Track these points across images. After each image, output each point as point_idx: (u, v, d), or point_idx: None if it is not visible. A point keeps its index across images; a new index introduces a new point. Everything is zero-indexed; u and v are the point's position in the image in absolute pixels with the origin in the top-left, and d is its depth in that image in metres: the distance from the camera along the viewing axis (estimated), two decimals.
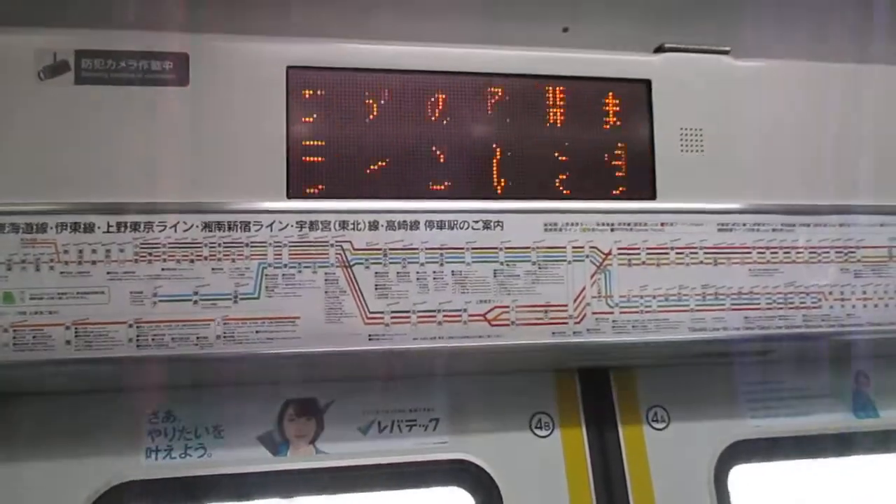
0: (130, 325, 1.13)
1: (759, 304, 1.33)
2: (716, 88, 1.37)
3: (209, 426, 1.30)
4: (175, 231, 1.16)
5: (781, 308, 1.34)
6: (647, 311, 1.29)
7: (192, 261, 1.16)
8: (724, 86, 1.37)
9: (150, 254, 1.15)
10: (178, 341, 1.14)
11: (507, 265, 1.25)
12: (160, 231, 1.15)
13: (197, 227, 1.17)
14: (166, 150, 1.17)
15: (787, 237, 1.36)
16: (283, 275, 1.18)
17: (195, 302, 1.15)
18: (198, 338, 1.15)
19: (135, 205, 1.15)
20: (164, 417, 1.29)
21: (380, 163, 1.24)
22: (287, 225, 1.19)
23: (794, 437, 1.49)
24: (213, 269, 1.16)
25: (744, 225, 1.34)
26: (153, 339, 1.14)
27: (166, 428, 1.29)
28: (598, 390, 1.44)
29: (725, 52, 1.39)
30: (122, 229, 1.15)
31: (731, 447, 1.44)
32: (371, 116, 1.25)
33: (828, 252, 1.37)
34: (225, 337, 1.16)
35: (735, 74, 1.38)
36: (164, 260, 1.15)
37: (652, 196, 1.32)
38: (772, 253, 1.35)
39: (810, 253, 1.36)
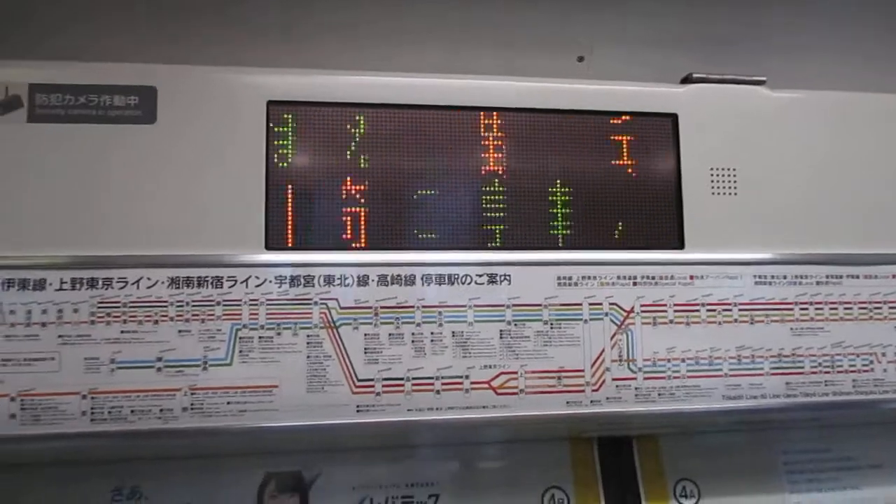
0: (84, 397, 0.99)
1: (802, 367, 1.17)
2: (750, 123, 1.21)
3: None
4: (137, 288, 1.02)
5: (828, 372, 1.18)
6: (675, 377, 1.13)
7: (156, 322, 1.02)
8: (759, 120, 1.22)
9: (108, 314, 1.01)
10: (139, 414, 1.00)
11: (516, 325, 1.10)
12: (120, 288, 1.01)
13: (162, 283, 1.03)
14: (129, 196, 1.03)
15: (833, 291, 1.20)
16: (260, 337, 1.04)
17: (159, 369, 1.01)
18: (161, 410, 1.01)
19: (92, 258, 1.01)
20: (130, 495, 1.14)
21: (370, 210, 1.10)
22: (265, 280, 1.05)
23: None
24: (179, 331, 1.02)
25: (784, 277, 1.19)
26: (110, 413, 0.99)
27: None
28: (619, 462, 1.28)
29: (761, 83, 1.24)
30: (77, 286, 1.01)
31: None
32: (362, 158, 1.11)
33: (880, 307, 1.21)
34: (192, 409, 1.01)
35: (772, 107, 1.23)
36: (125, 321, 1.01)
37: (679, 245, 1.17)
38: (816, 309, 1.19)
39: (860, 309, 1.21)
